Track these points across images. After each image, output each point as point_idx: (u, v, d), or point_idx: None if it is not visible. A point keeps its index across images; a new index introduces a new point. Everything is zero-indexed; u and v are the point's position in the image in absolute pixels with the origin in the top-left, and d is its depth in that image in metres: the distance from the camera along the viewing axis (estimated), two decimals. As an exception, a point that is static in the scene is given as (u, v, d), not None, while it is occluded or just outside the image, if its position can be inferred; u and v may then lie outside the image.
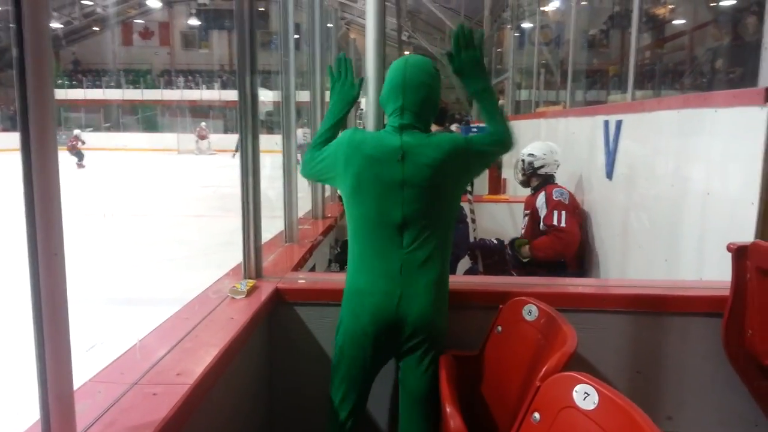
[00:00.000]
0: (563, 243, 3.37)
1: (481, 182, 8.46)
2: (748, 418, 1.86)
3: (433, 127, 5.30)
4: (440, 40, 24.65)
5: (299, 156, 2.38)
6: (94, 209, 10.80)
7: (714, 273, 2.12)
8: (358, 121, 3.83)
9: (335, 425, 1.69)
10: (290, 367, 1.95)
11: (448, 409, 1.46)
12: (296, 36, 2.87)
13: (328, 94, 2.03)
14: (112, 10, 32.99)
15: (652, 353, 1.89)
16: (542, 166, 3.62)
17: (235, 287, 1.81)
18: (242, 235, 1.96)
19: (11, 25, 0.87)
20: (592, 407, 1.12)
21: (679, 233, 2.44)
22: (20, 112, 0.87)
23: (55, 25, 32.95)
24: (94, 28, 34.26)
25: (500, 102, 10.10)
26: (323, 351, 1.92)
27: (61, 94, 32.75)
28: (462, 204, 4.03)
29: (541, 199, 3.51)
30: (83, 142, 21.48)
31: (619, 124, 3.12)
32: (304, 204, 3.33)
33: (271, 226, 2.69)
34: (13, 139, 1.01)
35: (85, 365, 1.31)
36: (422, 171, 1.62)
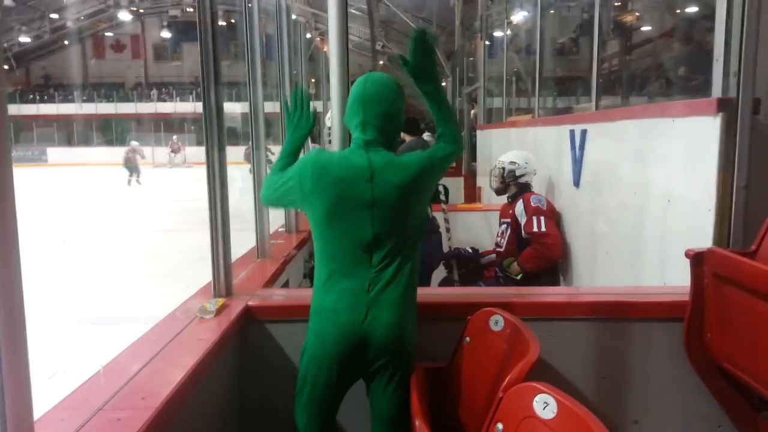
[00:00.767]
0: (548, 248, 3.43)
1: (457, 191, 8.54)
2: (711, 419, 1.91)
3: (407, 137, 5.35)
4: (414, 49, 24.82)
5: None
6: (64, 227, 10.63)
7: (677, 278, 2.17)
8: (327, 137, 3.84)
9: None
10: (262, 387, 1.94)
11: (417, 423, 1.48)
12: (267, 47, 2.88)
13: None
14: (82, 23, 32.61)
15: (617, 359, 1.93)
16: (523, 175, 3.69)
17: (204, 307, 1.81)
18: (211, 253, 1.95)
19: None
20: (551, 416, 1.14)
21: (642, 239, 2.50)
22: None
23: (24, 39, 32.47)
24: (65, 42, 33.83)
25: (473, 111, 10.21)
26: (296, 368, 1.92)
27: (32, 109, 32.27)
28: (435, 214, 4.07)
29: (519, 208, 3.56)
30: (142, 156, 20.01)
31: (584, 133, 3.19)
32: (277, 217, 3.32)
33: (245, 240, 2.68)
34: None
35: (54, 391, 1.31)
36: (391, 191, 1.62)
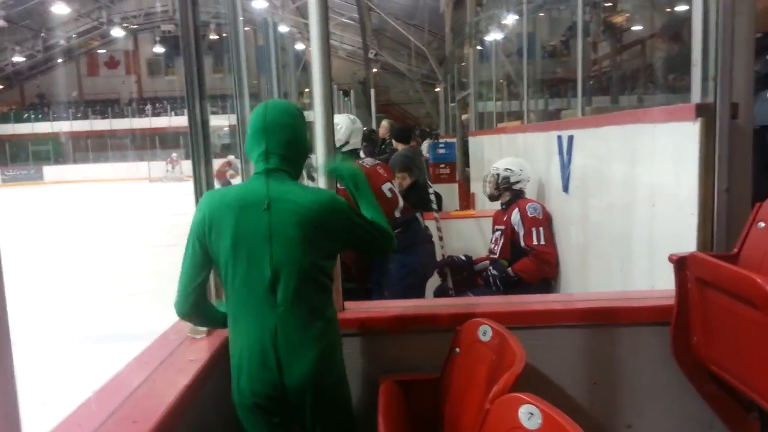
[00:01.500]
0: (546, 262, 3.47)
1: (452, 198, 8.57)
2: (703, 421, 1.93)
3: (399, 146, 5.34)
4: (407, 56, 24.97)
5: None
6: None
7: (665, 281, 2.19)
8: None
9: None
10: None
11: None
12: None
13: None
14: (75, 41, 32.72)
15: (607, 364, 1.95)
16: (518, 182, 3.71)
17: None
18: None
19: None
20: (536, 427, 1.16)
21: (630, 244, 2.53)
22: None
23: (18, 58, 32.57)
24: (58, 60, 33.94)
25: (464, 116, 10.25)
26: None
27: (27, 128, 32.34)
28: (427, 222, 4.09)
29: (515, 217, 3.57)
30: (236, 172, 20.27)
31: (571, 139, 3.22)
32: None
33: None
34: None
35: (53, 415, 1.32)
36: (290, 219, 1.51)
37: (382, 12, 20.37)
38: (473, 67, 9.24)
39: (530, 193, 3.89)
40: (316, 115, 1.98)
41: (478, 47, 10.05)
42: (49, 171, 30.89)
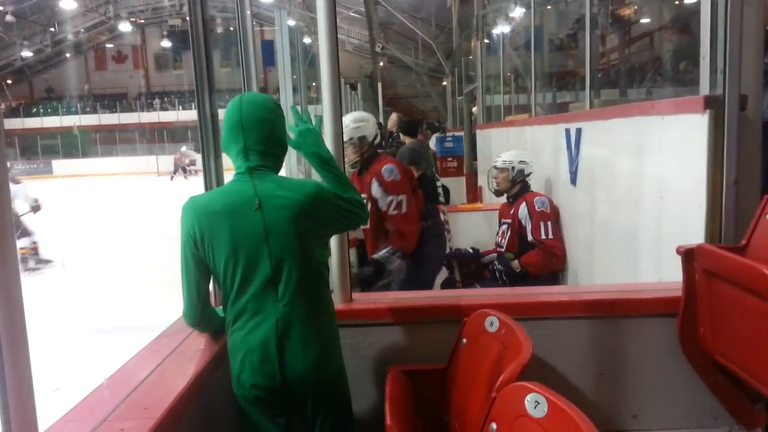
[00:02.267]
0: (554, 255, 3.49)
1: (460, 191, 8.57)
2: (708, 412, 1.93)
3: (406, 139, 5.36)
4: (414, 50, 24.89)
5: None
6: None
7: (673, 273, 2.20)
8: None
9: None
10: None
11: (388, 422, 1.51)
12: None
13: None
14: (83, 36, 32.83)
15: (613, 355, 1.96)
16: (530, 174, 3.72)
17: (205, 316, 1.84)
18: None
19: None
20: (542, 415, 1.17)
21: (638, 236, 2.53)
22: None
23: (26, 53, 32.73)
24: (67, 55, 34.09)
25: (474, 109, 10.22)
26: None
27: (36, 122, 32.53)
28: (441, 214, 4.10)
29: (523, 211, 3.57)
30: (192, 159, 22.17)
31: (579, 132, 3.22)
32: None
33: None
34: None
35: (67, 401, 1.35)
36: (283, 214, 1.51)
37: (388, 5, 20.32)
38: (481, 61, 9.21)
39: (538, 185, 3.88)
40: (324, 109, 1.99)
41: (486, 40, 10.01)
42: (58, 165, 31.09)
